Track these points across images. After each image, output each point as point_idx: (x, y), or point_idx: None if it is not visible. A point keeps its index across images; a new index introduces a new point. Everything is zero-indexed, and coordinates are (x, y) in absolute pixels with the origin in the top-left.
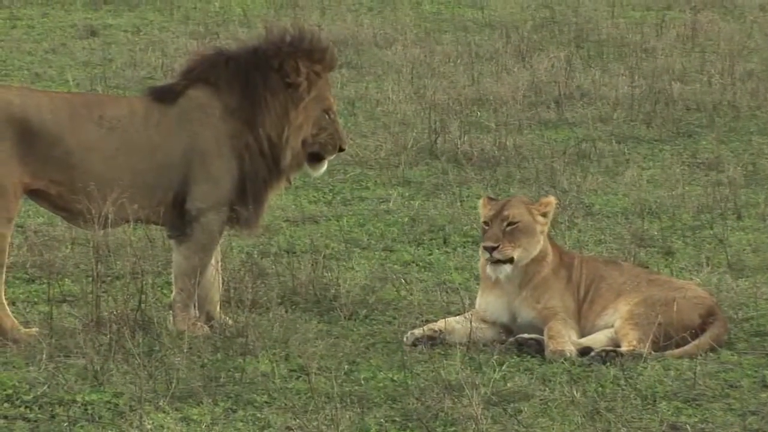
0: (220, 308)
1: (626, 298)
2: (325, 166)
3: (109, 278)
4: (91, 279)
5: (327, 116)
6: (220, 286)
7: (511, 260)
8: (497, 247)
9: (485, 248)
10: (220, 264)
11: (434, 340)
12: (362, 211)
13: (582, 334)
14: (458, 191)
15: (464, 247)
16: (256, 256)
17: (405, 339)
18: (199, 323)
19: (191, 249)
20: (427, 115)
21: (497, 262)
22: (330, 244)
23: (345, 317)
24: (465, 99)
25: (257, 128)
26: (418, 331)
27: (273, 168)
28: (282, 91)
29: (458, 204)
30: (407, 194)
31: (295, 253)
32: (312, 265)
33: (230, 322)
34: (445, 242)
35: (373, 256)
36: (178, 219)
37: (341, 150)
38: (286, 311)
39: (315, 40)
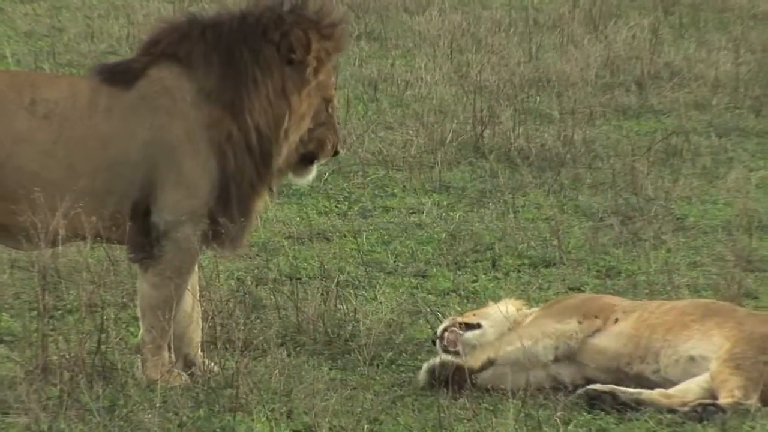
0: (203, 351)
1: (721, 330)
2: (313, 173)
3: (60, 312)
4: (36, 313)
5: (326, 110)
6: (201, 322)
7: None
8: None
9: None
10: (199, 293)
11: (461, 378)
12: (387, 224)
13: (657, 367)
14: (511, 199)
15: (519, 272)
16: (249, 282)
17: (422, 373)
18: (175, 370)
19: (161, 275)
20: (471, 100)
21: None
22: (345, 268)
23: (365, 362)
24: (520, 80)
25: (243, 115)
26: (442, 361)
27: (263, 168)
28: (279, 69)
29: (511, 216)
30: (445, 203)
31: (300, 279)
32: (322, 294)
33: (216, 368)
34: (493, 265)
35: (401, 283)
36: (142, 236)
37: (336, 153)
38: (289, 354)
39: (324, 9)
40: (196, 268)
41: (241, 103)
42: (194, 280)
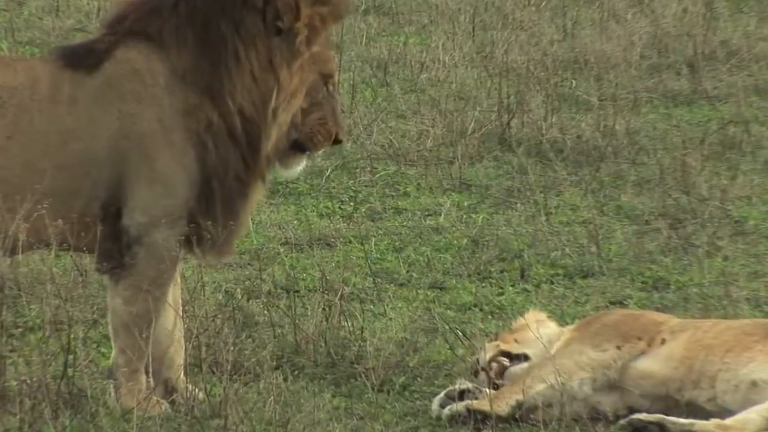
0: (186, 375)
1: None
2: (303, 164)
3: (20, 330)
4: None
5: (326, 88)
6: (184, 341)
7: None
8: None
9: None
10: (181, 308)
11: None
12: (399, 229)
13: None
14: (542, 200)
15: (551, 283)
16: (239, 296)
17: (436, 406)
18: (154, 397)
19: (134, 287)
20: (497, 85)
21: None
22: (351, 279)
23: (373, 388)
24: (553, 61)
25: (223, 99)
26: (469, 407)
27: (250, 158)
28: (265, 40)
29: (542, 219)
30: (466, 204)
31: (298, 292)
32: (324, 310)
33: (201, 395)
34: (522, 276)
35: (416, 296)
36: (111, 242)
37: (337, 142)
38: (285, 379)
39: None
40: (178, 279)
41: (221, 85)
42: (176, 293)
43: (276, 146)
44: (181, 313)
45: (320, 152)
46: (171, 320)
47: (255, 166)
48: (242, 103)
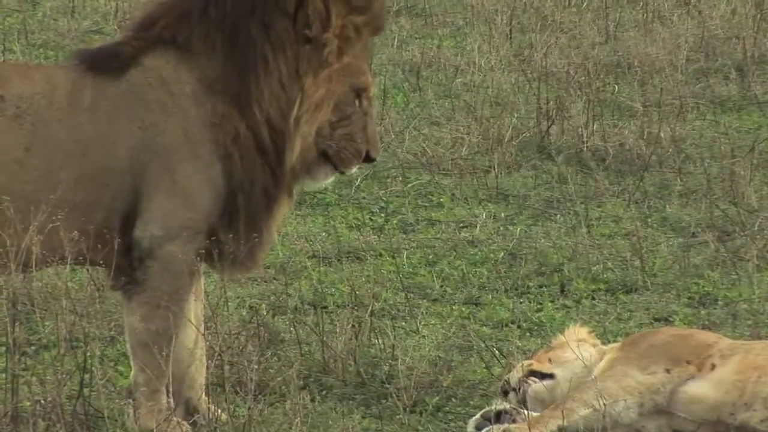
0: (208, 395)
1: None
2: (329, 177)
3: (33, 348)
4: (4, 350)
5: (357, 102)
6: (206, 359)
7: None
8: None
9: None
10: (203, 325)
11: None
12: (432, 241)
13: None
14: (583, 211)
15: (593, 299)
16: (264, 312)
17: (471, 428)
18: (174, 418)
19: (149, 303)
20: (535, 90)
21: None
22: (382, 294)
23: (405, 409)
24: (595, 65)
25: (251, 107)
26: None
27: (278, 170)
28: (294, 46)
29: (583, 231)
30: (503, 215)
31: (326, 308)
32: (353, 327)
33: (224, 416)
34: (562, 291)
35: (450, 312)
36: (122, 256)
37: (368, 160)
38: (313, 399)
39: None
40: (201, 295)
41: (248, 93)
42: (197, 309)
43: (302, 158)
44: (202, 330)
45: (352, 170)
46: (192, 338)
47: (282, 178)
48: (269, 111)
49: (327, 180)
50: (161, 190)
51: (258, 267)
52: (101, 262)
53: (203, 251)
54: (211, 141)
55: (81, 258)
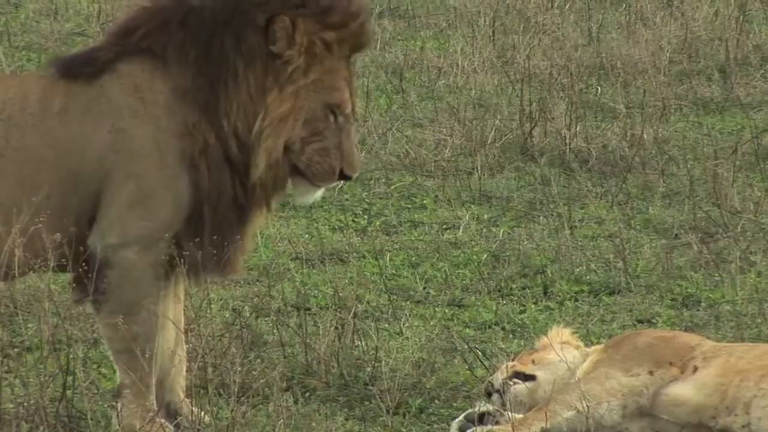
0: (190, 397)
1: None
2: (314, 194)
3: (16, 350)
4: None
5: (331, 117)
6: (187, 361)
7: None
8: None
9: None
10: (183, 326)
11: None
12: (415, 243)
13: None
14: (566, 212)
15: (576, 300)
16: (247, 314)
17: (454, 429)
18: (159, 419)
19: (116, 312)
20: (518, 92)
21: None
22: (365, 296)
23: (388, 411)
24: (578, 66)
25: (220, 119)
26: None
27: (246, 182)
28: (263, 60)
29: (566, 232)
30: (486, 217)
31: (309, 309)
32: (336, 328)
33: (207, 418)
34: (545, 292)
35: (433, 314)
36: (81, 265)
37: (345, 177)
38: (296, 401)
39: None
40: (180, 296)
41: (218, 104)
42: (177, 311)
43: (272, 173)
44: (183, 332)
45: (327, 185)
46: (171, 340)
47: (252, 191)
48: (237, 123)
49: (310, 194)
50: (123, 197)
51: (236, 274)
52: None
53: (168, 258)
54: (180, 151)
55: (64, 262)
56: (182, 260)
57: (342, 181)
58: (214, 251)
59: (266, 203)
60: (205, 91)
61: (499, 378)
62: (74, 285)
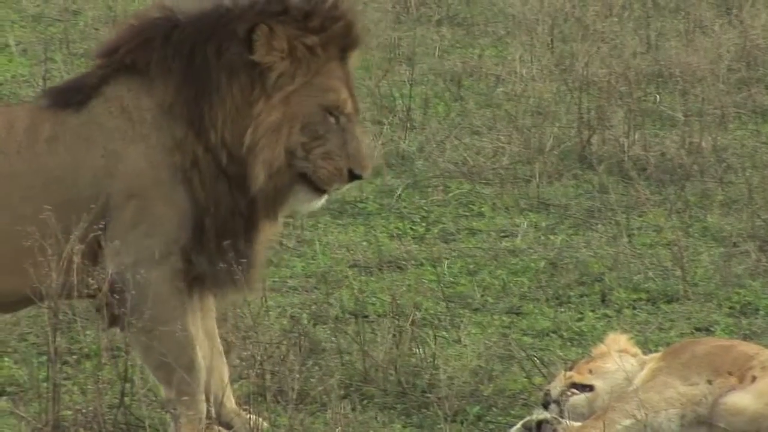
0: (247, 403)
1: None
2: (320, 201)
3: (75, 357)
4: (45, 359)
5: (330, 119)
6: (227, 373)
7: None
8: None
9: None
10: (217, 337)
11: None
12: (473, 251)
13: None
14: (625, 220)
15: (634, 308)
16: (305, 321)
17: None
18: (216, 427)
19: (143, 331)
20: (576, 99)
21: None
22: (423, 304)
23: (446, 418)
24: (636, 74)
25: (207, 131)
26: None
27: (244, 192)
28: (248, 71)
29: (624, 240)
30: (544, 224)
31: (367, 317)
32: (394, 336)
33: (265, 425)
34: (603, 300)
35: (491, 322)
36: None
37: (355, 177)
38: (353, 409)
39: (322, 1)
40: (212, 308)
41: (203, 117)
42: (208, 325)
43: (273, 183)
44: (218, 345)
45: (336, 189)
46: (206, 353)
47: (254, 203)
48: (225, 135)
49: (313, 203)
50: (125, 218)
51: (253, 288)
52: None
53: (183, 272)
54: (172, 165)
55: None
56: (197, 276)
57: (353, 182)
58: (226, 264)
59: (271, 214)
60: (190, 105)
61: (556, 388)
62: (99, 311)
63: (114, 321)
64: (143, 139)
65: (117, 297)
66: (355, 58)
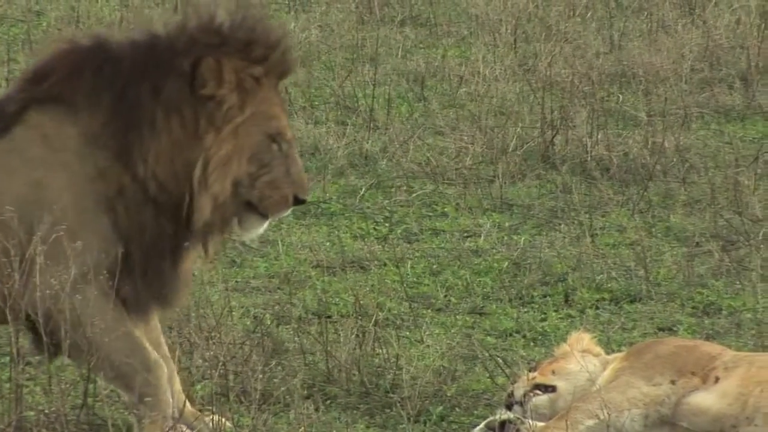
0: (204, 402)
1: None
2: (264, 226)
3: (37, 358)
4: (8, 359)
5: (274, 146)
6: (177, 379)
7: None
8: None
9: None
10: (163, 343)
11: None
12: (436, 251)
13: None
14: (588, 220)
15: (597, 308)
16: (268, 321)
17: None
18: (180, 426)
19: (83, 350)
20: (540, 100)
21: None
22: (386, 304)
23: (409, 418)
24: (599, 74)
25: (135, 163)
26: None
27: (175, 224)
28: (192, 105)
29: (587, 240)
30: (507, 225)
31: (330, 317)
32: (357, 336)
33: (228, 425)
34: (566, 300)
35: (454, 322)
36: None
37: (299, 202)
38: (317, 409)
39: (258, 28)
40: (156, 322)
41: (131, 150)
42: (153, 335)
43: (219, 214)
44: (166, 352)
45: (281, 215)
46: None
47: (185, 232)
48: (156, 168)
49: (258, 229)
50: (51, 245)
51: (179, 306)
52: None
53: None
54: (95, 193)
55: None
56: (122, 295)
57: (296, 206)
58: (152, 286)
59: (206, 244)
60: (117, 137)
61: (520, 389)
62: (33, 342)
63: (57, 349)
64: (65, 167)
65: (50, 324)
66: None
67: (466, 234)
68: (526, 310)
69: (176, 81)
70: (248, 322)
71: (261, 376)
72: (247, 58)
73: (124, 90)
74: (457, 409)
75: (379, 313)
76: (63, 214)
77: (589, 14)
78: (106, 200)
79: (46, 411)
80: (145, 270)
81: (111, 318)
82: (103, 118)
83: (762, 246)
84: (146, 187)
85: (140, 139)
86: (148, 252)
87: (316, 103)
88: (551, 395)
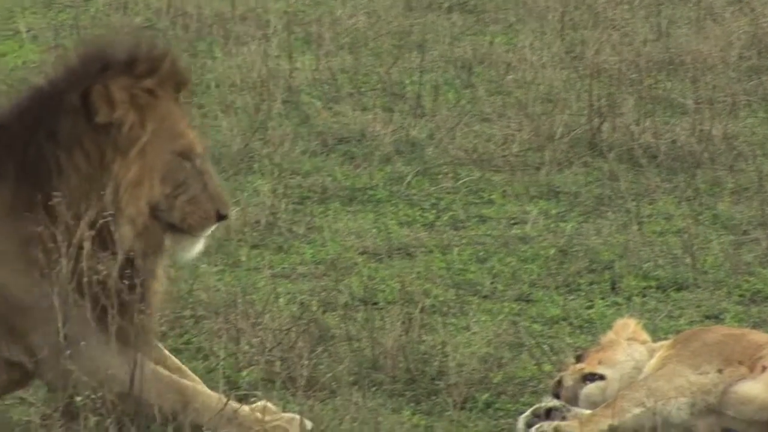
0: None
1: None
2: (199, 244)
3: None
4: None
5: (186, 164)
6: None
7: None
8: None
9: None
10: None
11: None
12: (482, 238)
13: None
14: (635, 208)
15: (643, 296)
16: (315, 308)
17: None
18: (233, 402)
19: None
20: (587, 87)
21: None
22: (432, 291)
23: (455, 405)
24: (647, 62)
25: (58, 215)
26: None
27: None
28: (92, 136)
29: (634, 228)
30: (554, 212)
31: (376, 304)
32: (403, 323)
33: (273, 408)
34: (613, 288)
35: (501, 309)
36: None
37: (221, 218)
38: (363, 396)
39: (140, 45)
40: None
41: (47, 206)
42: (160, 354)
43: (144, 239)
44: (176, 362)
45: (207, 232)
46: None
47: (130, 262)
48: (80, 209)
49: (193, 247)
50: (10, 316)
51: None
52: None
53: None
54: (27, 256)
55: None
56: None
57: (220, 222)
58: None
59: (151, 268)
60: (31, 202)
61: (569, 379)
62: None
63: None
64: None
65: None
66: (185, 96)
67: (512, 221)
68: (572, 297)
69: (69, 118)
70: (294, 309)
71: (307, 362)
72: (133, 75)
73: (25, 149)
74: (503, 396)
75: (426, 300)
76: (5, 291)
77: (636, 1)
78: (41, 267)
79: (93, 396)
80: (122, 304)
81: (95, 376)
82: (11, 189)
83: None
84: (80, 233)
85: (49, 191)
86: (118, 291)
87: (363, 89)
88: (601, 384)
